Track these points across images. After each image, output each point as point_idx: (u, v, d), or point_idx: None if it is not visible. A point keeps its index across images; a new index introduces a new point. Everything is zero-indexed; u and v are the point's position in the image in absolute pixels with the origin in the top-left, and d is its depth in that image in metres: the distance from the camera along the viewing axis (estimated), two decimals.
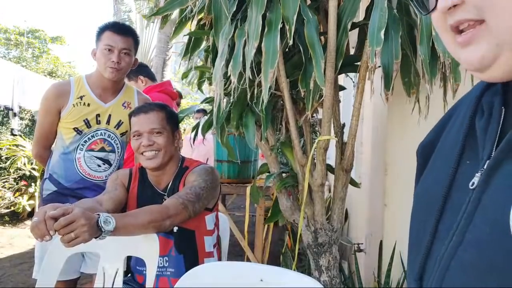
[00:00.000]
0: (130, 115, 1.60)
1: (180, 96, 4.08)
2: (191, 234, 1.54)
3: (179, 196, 1.39)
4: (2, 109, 5.91)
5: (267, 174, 1.62)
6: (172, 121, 1.60)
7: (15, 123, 4.84)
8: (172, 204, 1.34)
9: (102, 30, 1.86)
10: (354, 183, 1.66)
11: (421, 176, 0.57)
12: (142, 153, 1.52)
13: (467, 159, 0.46)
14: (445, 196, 0.47)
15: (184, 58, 1.63)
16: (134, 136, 1.54)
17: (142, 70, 3.19)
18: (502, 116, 0.43)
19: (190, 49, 1.60)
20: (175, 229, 1.51)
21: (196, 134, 1.87)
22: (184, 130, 6.04)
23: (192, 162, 1.62)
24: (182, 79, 1.87)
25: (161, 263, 1.53)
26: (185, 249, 1.54)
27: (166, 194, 1.55)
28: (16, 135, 5.14)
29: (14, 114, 4.73)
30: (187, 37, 1.62)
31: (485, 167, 0.41)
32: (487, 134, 0.44)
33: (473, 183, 0.42)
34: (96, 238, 1.11)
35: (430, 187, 0.52)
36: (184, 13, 1.38)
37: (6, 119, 6.18)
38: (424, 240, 0.48)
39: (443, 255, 0.43)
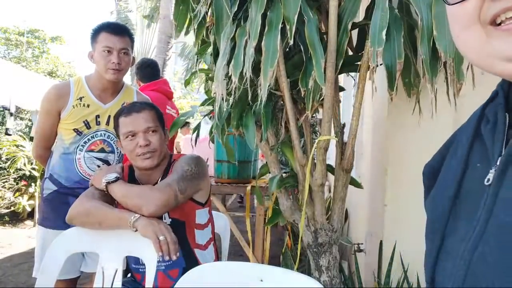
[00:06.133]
0: (117, 116, 1.56)
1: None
2: (181, 225, 1.54)
3: (164, 180, 1.47)
4: (2, 109, 5.89)
5: (270, 177, 1.61)
6: (162, 119, 1.60)
7: (10, 123, 4.83)
8: (157, 185, 1.45)
9: (97, 32, 1.85)
10: (357, 184, 1.66)
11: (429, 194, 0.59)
12: (137, 155, 1.51)
13: (477, 162, 0.48)
14: (454, 195, 0.49)
15: (195, 66, 1.63)
16: (127, 137, 1.51)
17: (137, 72, 3.17)
18: (507, 121, 0.45)
19: (198, 53, 1.61)
20: (169, 221, 1.52)
21: (198, 135, 1.87)
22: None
23: (180, 155, 1.63)
24: (185, 86, 1.87)
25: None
26: (179, 240, 1.54)
27: None
28: (10, 134, 5.13)
29: (11, 114, 4.71)
30: (188, 37, 1.62)
31: (497, 163, 0.43)
32: (495, 137, 0.46)
33: (488, 180, 0.44)
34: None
35: (437, 196, 0.54)
36: (198, 20, 1.38)
37: (5, 119, 6.17)
38: (435, 242, 0.50)
39: (463, 252, 0.45)
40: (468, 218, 0.46)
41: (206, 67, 1.76)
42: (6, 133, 5.15)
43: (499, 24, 0.41)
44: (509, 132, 0.45)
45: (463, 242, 0.45)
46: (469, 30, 0.44)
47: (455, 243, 0.47)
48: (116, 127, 1.57)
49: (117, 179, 1.47)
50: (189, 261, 1.53)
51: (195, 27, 1.44)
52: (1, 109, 5.73)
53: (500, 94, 0.48)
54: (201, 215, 1.60)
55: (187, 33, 1.54)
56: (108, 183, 1.46)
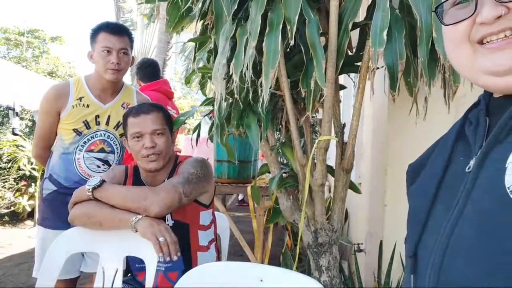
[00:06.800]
0: (126, 116, 1.57)
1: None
2: (185, 227, 1.54)
3: (169, 181, 1.45)
4: (2, 109, 5.89)
5: (270, 178, 1.61)
6: (169, 121, 1.61)
7: (16, 123, 4.83)
8: (162, 185, 1.42)
9: (96, 32, 1.84)
10: (355, 188, 1.65)
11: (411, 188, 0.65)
12: (143, 156, 1.51)
13: (460, 156, 0.55)
14: (436, 189, 0.54)
15: (192, 65, 1.62)
16: (134, 138, 1.52)
17: (137, 72, 3.18)
18: (487, 124, 0.53)
19: (195, 52, 1.60)
20: (171, 222, 1.52)
21: (198, 135, 1.87)
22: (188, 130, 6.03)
23: (186, 158, 1.63)
24: (186, 84, 1.86)
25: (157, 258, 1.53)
26: (180, 242, 1.54)
27: None
28: (17, 134, 5.14)
29: (16, 114, 4.71)
30: (188, 37, 1.62)
31: (478, 154, 0.49)
32: (477, 135, 0.53)
33: (469, 167, 0.50)
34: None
35: (421, 188, 0.60)
36: (185, 7, 1.38)
37: (6, 119, 6.16)
38: (419, 222, 0.55)
39: (444, 231, 0.49)
40: (448, 204, 0.51)
41: (202, 65, 1.75)
42: (13, 133, 5.16)
43: (485, 43, 0.49)
44: (489, 132, 0.51)
45: (441, 227, 0.50)
46: (460, 48, 0.52)
47: (435, 228, 0.52)
48: (125, 126, 1.57)
49: (102, 183, 1.42)
50: (189, 265, 1.53)
51: (192, 22, 1.43)
52: (2, 108, 5.73)
53: (482, 102, 0.56)
54: (205, 217, 1.60)
55: (175, 28, 1.52)
56: (94, 188, 1.41)
